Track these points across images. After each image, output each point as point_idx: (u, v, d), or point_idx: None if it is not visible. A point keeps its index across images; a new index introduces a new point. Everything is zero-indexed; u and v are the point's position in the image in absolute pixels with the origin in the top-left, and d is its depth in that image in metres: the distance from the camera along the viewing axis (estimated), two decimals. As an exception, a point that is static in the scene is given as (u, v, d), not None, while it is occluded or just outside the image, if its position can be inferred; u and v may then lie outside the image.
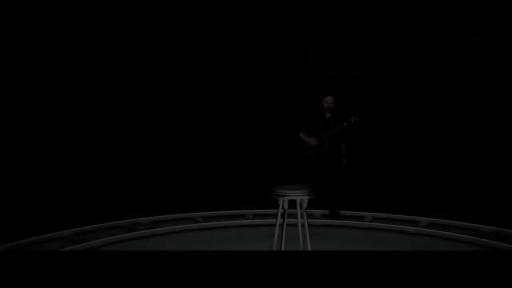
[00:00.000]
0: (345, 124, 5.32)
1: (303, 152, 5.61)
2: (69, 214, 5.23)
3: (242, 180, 7.29)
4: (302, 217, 3.11)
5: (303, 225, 3.13)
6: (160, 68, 8.36)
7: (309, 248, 3.11)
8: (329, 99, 5.59)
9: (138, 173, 7.75)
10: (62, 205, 5.79)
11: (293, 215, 3.11)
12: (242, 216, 5.29)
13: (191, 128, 8.77)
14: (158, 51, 8.09)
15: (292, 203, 3.07)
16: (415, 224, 4.98)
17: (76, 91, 7.70)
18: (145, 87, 8.44)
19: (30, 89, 7.15)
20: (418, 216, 5.16)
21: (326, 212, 5.41)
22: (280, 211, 3.09)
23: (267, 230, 4.07)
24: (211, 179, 7.66)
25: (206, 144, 8.52)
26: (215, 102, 8.72)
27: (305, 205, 3.08)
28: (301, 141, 5.67)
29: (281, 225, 3.11)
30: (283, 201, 3.04)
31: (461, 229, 4.76)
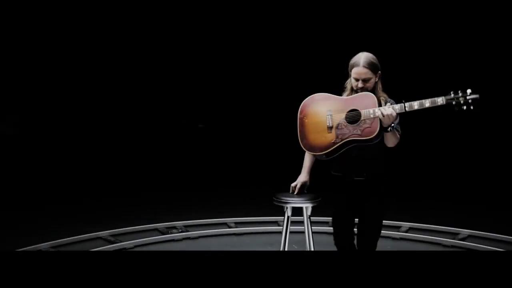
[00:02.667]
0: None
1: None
2: (111, 217, 5.57)
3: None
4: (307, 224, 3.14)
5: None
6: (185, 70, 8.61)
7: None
8: (357, 70, 2.66)
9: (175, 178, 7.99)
10: (104, 208, 6.14)
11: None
12: (275, 223, 5.33)
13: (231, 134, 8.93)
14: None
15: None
16: (453, 237, 4.77)
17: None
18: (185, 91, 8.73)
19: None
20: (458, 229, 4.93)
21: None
22: (285, 218, 3.14)
23: (297, 237, 4.09)
24: (248, 185, 7.69)
25: (248, 146, 8.62)
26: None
27: (309, 212, 3.11)
28: None
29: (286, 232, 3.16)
30: (287, 208, 3.09)
31: (500, 242, 4.49)
